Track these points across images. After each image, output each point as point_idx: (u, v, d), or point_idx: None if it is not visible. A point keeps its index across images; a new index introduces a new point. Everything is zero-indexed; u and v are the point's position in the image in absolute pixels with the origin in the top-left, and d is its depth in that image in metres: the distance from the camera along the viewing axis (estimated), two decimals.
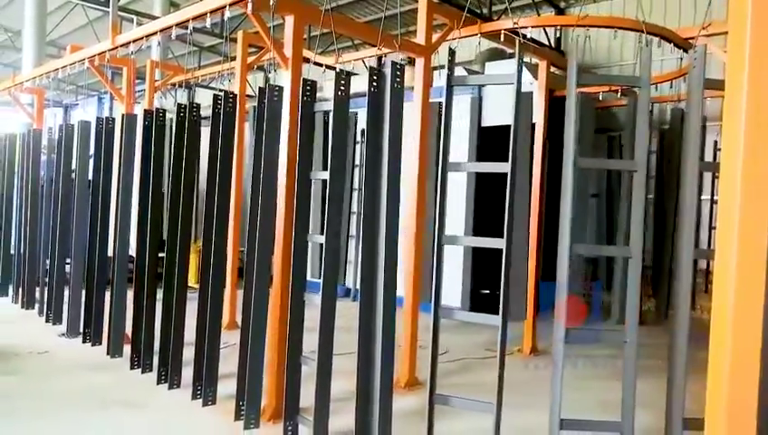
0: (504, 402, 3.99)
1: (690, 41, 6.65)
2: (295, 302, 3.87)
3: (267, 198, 4.15)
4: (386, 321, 3.53)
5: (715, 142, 9.70)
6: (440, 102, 5.49)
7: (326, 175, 3.65)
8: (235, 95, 4.60)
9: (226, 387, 4.46)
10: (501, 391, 3.08)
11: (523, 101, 6.59)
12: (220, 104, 4.49)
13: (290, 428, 3.84)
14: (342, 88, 3.70)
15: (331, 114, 3.63)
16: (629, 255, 2.95)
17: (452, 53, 3.22)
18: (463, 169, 3.50)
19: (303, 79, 3.89)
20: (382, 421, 3.52)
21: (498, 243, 3.00)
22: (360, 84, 4.36)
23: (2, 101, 11.27)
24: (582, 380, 5.44)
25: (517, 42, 3.04)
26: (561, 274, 2.86)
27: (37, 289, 7.60)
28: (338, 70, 3.64)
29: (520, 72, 3.01)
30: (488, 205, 8.22)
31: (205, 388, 4.43)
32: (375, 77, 3.61)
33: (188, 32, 4.89)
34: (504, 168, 3.06)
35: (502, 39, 5.60)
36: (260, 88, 4.15)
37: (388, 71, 3.50)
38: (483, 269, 8.22)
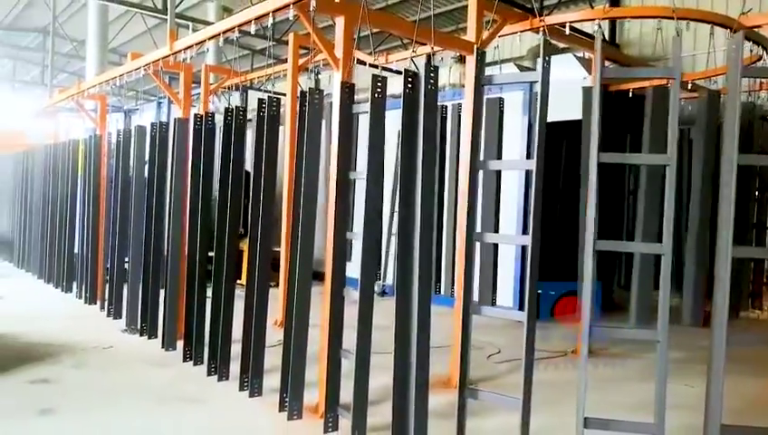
0: (544, 401, 4.11)
1: (757, 29, 6.49)
2: (335, 297, 4.14)
3: (308, 199, 4.44)
4: (421, 320, 3.70)
5: None
6: (499, 98, 5.69)
7: (363, 175, 3.90)
8: (279, 98, 4.92)
9: (275, 379, 4.72)
10: (529, 387, 3.20)
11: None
12: (265, 107, 4.83)
13: (330, 420, 4.10)
14: (379, 90, 3.93)
15: (368, 115, 3.87)
16: (661, 251, 3.02)
17: (481, 53, 3.38)
18: (488, 168, 3.64)
19: (342, 82, 4.15)
20: (418, 419, 3.70)
21: (524, 240, 3.15)
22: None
23: (68, 108, 12.18)
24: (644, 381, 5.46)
25: (542, 41, 3.17)
26: (585, 271, 2.97)
27: (98, 286, 8.27)
28: (374, 73, 3.87)
29: (547, 71, 3.13)
30: (561, 203, 8.27)
31: (251, 380, 4.77)
32: (410, 78, 3.82)
33: (235, 37, 5.27)
34: (529, 165, 3.21)
35: (566, 34, 5.62)
36: (301, 91, 4.44)
37: (421, 71, 3.70)
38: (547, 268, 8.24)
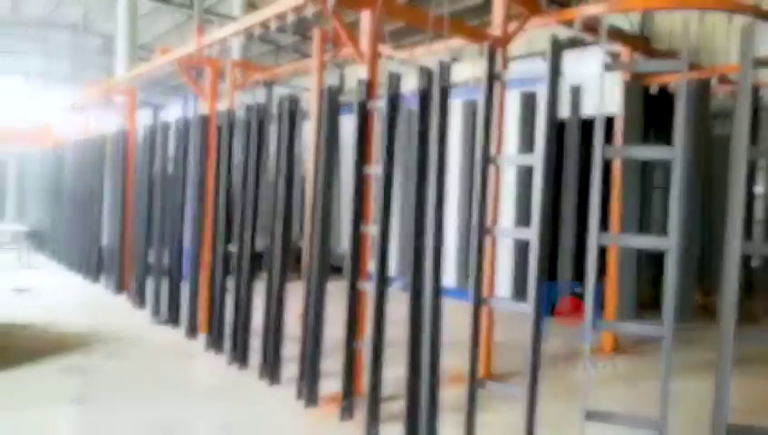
0: (557, 396, 4.20)
1: None
2: (351, 290, 4.33)
3: (324, 194, 4.64)
4: (433, 316, 3.86)
5: None
6: (534, 93, 5.81)
7: (378, 169, 4.08)
8: (298, 98, 5.14)
9: (295, 369, 4.87)
10: (535, 381, 3.34)
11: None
12: (284, 105, 5.05)
13: (346, 408, 4.31)
14: (394, 87, 4.10)
15: (383, 112, 4.05)
16: (668, 246, 3.11)
17: (492, 50, 3.52)
18: (496, 162, 3.77)
19: (359, 79, 4.34)
20: (429, 412, 3.85)
21: (527, 233, 3.28)
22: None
23: (98, 103, 12.60)
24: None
25: (550, 37, 3.29)
26: (590, 267, 3.08)
27: (126, 277, 8.65)
28: (389, 71, 4.05)
29: (556, 67, 3.25)
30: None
31: (271, 369, 5.01)
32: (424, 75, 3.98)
33: (256, 34, 5.49)
34: (532, 160, 3.34)
35: (590, 28, 5.66)
36: (320, 90, 4.64)
37: (435, 69, 3.85)
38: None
